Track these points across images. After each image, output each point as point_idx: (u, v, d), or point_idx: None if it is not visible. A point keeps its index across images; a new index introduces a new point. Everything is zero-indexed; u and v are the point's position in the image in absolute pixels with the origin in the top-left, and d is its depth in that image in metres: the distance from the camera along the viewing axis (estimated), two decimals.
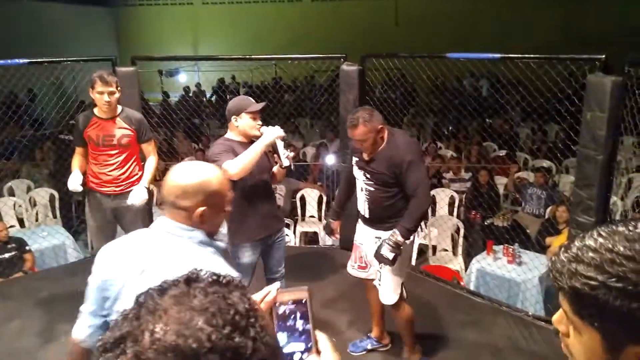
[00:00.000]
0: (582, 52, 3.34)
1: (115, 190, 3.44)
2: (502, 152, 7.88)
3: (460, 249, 5.19)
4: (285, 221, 4.70)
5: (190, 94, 12.94)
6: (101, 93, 3.22)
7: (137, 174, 3.52)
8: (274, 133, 2.79)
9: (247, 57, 5.72)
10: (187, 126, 8.29)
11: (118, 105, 3.41)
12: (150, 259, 1.42)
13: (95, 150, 3.39)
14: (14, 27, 11.43)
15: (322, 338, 0.77)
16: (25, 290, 4.20)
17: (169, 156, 7.40)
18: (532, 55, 3.71)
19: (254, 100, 2.93)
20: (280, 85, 11.23)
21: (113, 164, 3.40)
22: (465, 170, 6.91)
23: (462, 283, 4.62)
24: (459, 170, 6.84)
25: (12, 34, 11.12)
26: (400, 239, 2.68)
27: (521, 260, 4.45)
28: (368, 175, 2.83)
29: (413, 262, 5.27)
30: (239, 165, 2.66)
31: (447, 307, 3.88)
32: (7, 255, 4.64)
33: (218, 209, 1.50)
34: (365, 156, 2.84)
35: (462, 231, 5.16)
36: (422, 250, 5.51)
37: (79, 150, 3.48)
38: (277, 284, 0.83)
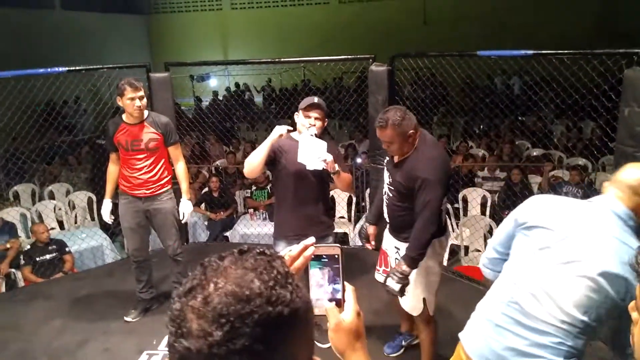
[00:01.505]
0: (618, 47, 3.25)
1: (146, 193, 3.54)
2: (535, 152, 7.71)
3: None
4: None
5: (221, 98, 13.13)
6: (132, 99, 3.32)
7: (166, 177, 3.61)
8: (276, 131, 2.79)
9: (276, 60, 5.75)
10: (219, 129, 8.41)
11: (144, 110, 3.50)
12: (579, 227, 1.63)
13: (125, 155, 3.50)
14: (49, 36, 11.83)
15: (348, 290, 0.87)
16: (66, 290, 4.34)
17: (201, 159, 7.54)
18: (566, 51, 3.62)
19: (313, 100, 2.94)
20: (309, 88, 11.28)
21: (142, 168, 3.49)
22: (499, 169, 6.79)
23: None
24: (494, 169, 6.74)
25: (48, 43, 11.51)
26: (405, 268, 2.55)
27: None
28: (390, 180, 2.74)
29: (445, 263, 5.21)
30: (246, 164, 2.87)
31: None
32: (48, 256, 4.81)
33: None
34: (395, 158, 2.74)
35: (495, 231, 5.07)
36: (454, 250, 5.44)
37: (112, 157, 3.63)
38: (312, 239, 0.88)
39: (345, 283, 0.87)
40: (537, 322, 1.66)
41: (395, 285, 2.54)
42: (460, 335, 1.97)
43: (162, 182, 3.58)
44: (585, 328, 1.60)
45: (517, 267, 1.73)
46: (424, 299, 2.76)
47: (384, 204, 2.83)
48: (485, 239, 5.15)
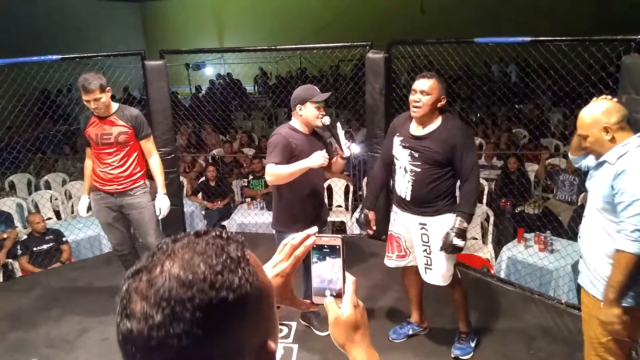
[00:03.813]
0: (616, 33, 3.23)
1: (117, 189, 3.46)
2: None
3: (490, 237, 5.12)
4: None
5: (217, 86, 13.06)
6: (87, 101, 3.24)
7: (139, 172, 3.52)
8: (318, 160, 2.78)
9: (273, 47, 5.71)
10: (215, 118, 8.37)
11: (114, 103, 3.41)
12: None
13: (95, 149, 3.43)
14: (43, 23, 11.70)
15: (348, 282, 0.86)
16: (63, 280, 4.35)
17: (197, 148, 7.51)
18: (564, 38, 3.60)
19: (319, 90, 2.95)
20: (305, 76, 11.21)
21: (112, 163, 3.42)
22: (497, 157, 6.80)
23: (492, 271, 4.56)
24: (491, 157, 6.74)
25: (41, 30, 11.40)
26: (465, 225, 2.72)
27: (553, 248, 4.36)
28: (416, 155, 2.79)
29: None
30: (276, 175, 2.82)
31: (477, 296, 3.84)
32: (45, 246, 4.80)
33: None
34: (414, 129, 2.80)
35: (492, 219, 5.08)
36: None
37: (88, 151, 3.57)
38: (314, 228, 0.88)
39: (347, 274, 0.87)
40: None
41: (460, 242, 2.72)
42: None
43: (134, 177, 3.49)
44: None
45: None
46: (454, 266, 2.96)
47: (407, 181, 2.86)
48: (482, 227, 5.16)
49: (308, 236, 0.87)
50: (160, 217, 3.64)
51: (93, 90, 3.19)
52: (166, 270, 0.59)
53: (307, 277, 3.18)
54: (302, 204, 3.03)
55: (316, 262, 0.88)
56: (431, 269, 2.93)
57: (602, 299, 2.15)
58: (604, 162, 2.14)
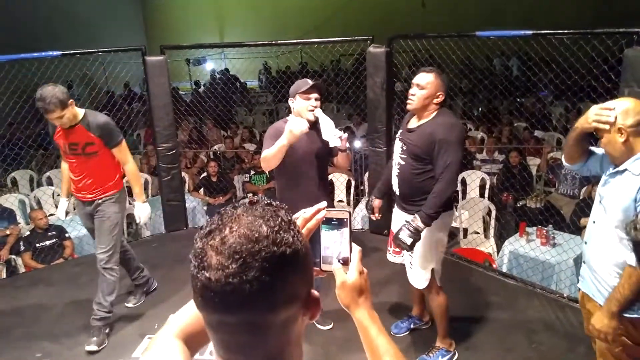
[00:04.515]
0: (618, 26, 3.21)
1: (88, 198, 3.35)
2: (535, 133, 7.67)
3: (492, 232, 5.12)
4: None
5: (218, 80, 13.02)
6: (51, 119, 3.08)
7: (111, 181, 3.37)
8: (297, 127, 2.70)
9: (273, 42, 5.70)
10: (216, 114, 8.36)
11: (80, 110, 3.22)
12: None
13: (66, 157, 3.33)
14: (44, 19, 11.67)
15: (354, 251, 0.97)
16: (66, 276, 4.36)
17: (198, 144, 7.51)
18: (565, 31, 3.59)
19: (310, 82, 2.91)
20: (306, 70, 11.18)
21: (83, 172, 3.29)
22: (499, 151, 6.78)
23: (494, 265, 4.57)
24: (493, 152, 6.72)
25: (42, 26, 11.37)
26: (420, 224, 2.60)
27: (555, 242, 4.36)
28: (404, 147, 2.78)
29: None
30: (265, 160, 2.81)
31: (479, 290, 3.85)
32: (48, 242, 4.81)
33: None
34: (410, 123, 2.80)
35: (493, 213, 5.08)
36: (453, 233, 5.45)
37: (64, 155, 3.48)
38: (324, 203, 0.96)
39: (353, 244, 0.96)
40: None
41: (407, 239, 2.61)
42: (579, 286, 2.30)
43: (105, 186, 3.34)
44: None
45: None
46: (433, 270, 2.86)
47: (395, 175, 2.86)
48: (484, 221, 5.16)
49: (319, 210, 0.95)
50: (140, 224, 3.56)
51: (53, 110, 2.99)
52: (234, 230, 0.72)
53: None
54: (305, 199, 2.99)
55: (325, 233, 0.96)
56: (411, 269, 2.91)
57: (604, 308, 2.02)
58: (625, 170, 1.97)
